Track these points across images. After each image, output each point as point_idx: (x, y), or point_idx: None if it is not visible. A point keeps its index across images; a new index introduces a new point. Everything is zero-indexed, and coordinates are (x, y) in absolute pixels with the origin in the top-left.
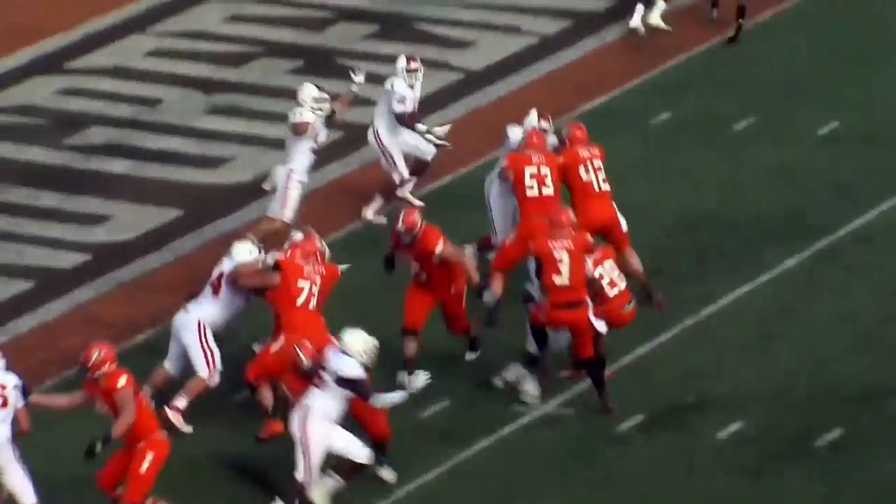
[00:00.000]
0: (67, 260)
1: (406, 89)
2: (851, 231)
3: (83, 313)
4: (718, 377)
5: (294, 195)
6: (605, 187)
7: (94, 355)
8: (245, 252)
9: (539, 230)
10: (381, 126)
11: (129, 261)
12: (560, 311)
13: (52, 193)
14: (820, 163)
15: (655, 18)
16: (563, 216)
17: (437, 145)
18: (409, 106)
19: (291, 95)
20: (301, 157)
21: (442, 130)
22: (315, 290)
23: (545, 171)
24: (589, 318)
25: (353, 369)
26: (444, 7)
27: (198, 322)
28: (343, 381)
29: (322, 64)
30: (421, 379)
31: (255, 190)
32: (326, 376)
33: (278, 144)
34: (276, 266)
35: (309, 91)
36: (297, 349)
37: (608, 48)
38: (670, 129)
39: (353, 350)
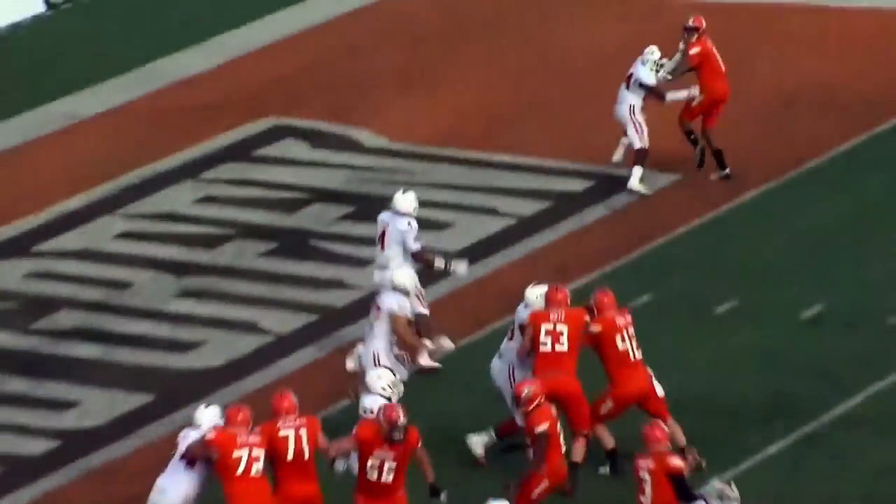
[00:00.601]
0: (35, 446)
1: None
2: (836, 416)
3: (51, 501)
4: None
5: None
6: (639, 355)
7: None
8: (209, 416)
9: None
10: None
11: (99, 447)
12: None
13: (20, 378)
14: (804, 346)
15: (634, 183)
16: (658, 432)
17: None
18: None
19: (264, 278)
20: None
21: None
22: (256, 455)
23: (561, 328)
24: None
25: None
26: (418, 187)
27: (175, 494)
28: None
29: (296, 246)
30: None
31: (228, 374)
32: None
33: (250, 327)
34: (211, 442)
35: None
36: None
37: (587, 229)
38: (652, 312)
39: None
